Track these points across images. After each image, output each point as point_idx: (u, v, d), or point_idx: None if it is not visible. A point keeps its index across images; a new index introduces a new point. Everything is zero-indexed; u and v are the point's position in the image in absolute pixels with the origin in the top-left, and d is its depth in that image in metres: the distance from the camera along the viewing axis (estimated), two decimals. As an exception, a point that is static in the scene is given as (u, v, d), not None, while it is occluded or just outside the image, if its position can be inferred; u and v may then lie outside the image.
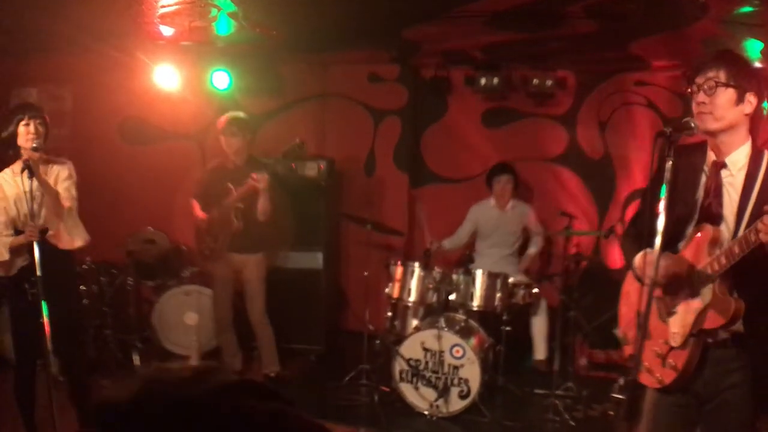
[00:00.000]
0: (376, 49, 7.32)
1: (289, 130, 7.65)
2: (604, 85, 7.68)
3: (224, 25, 6.12)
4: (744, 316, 2.75)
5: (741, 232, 2.77)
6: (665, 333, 2.98)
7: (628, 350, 3.25)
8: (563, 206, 7.33)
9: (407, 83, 8.02)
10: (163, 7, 5.47)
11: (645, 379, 3.02)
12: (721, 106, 2.79)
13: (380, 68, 7.97)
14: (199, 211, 6.29)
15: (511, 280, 6.36)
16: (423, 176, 8.13)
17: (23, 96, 7.11)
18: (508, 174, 7.04)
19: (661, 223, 2.70)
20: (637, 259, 3.01)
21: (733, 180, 2.87)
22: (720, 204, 2.88)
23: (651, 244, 2.81)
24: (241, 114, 6.32)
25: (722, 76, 2.78)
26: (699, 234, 2.85)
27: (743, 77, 2.81)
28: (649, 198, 3.09)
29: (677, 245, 3.01)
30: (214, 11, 5.63)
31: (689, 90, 2.89)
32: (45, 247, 4.31)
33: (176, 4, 5.41)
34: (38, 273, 4.08)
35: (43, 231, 4.37)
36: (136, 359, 6.65)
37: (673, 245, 3.00)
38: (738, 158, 2.87)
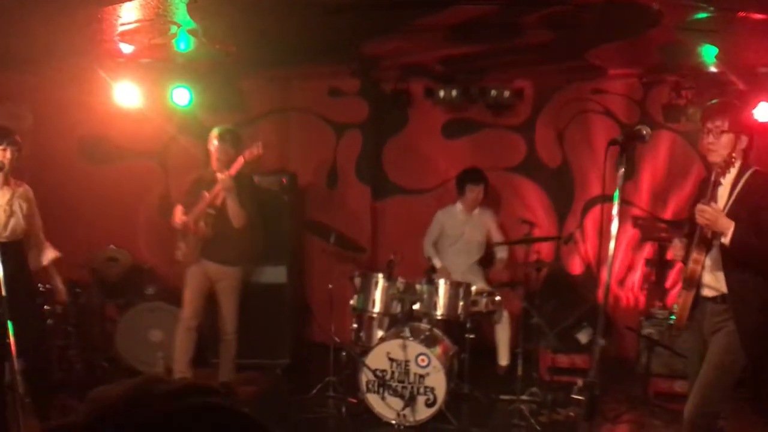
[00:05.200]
0: (336, 63, 7.35)
1: (251, 145, 7.67)
2: (562, 94, 7.83)
3: (184, 42, 6.11)
4: (727, 281, 3.92)
5: None
6: None
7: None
8: (523, 215, 7.42)
9: (368, 97, 8.08)
10: (122, 25, 5.47)
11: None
12: (724, 146, 3.91)
13: (340, 82, 8.01)
14: (178, 215, 6.23)
15: (473, 288, 6.45)
16: (385, 188, 8.20)
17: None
18: (483, 183, 7.14)
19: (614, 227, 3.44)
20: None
21: (723, 192, 3.97)
22: None
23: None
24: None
25: (726, 125, 3.90)
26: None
27: (740, 124, 3.97)
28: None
29: None
30: (173, 28, 5.63)
31: (704, 131, 4.00)
32: (7, 267, 4.31)
33: (136, 21, 5.41)
34: (3, 293, 4.08)
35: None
36: (103, 379, 6.59)
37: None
38: (728, 176, 3.95)
